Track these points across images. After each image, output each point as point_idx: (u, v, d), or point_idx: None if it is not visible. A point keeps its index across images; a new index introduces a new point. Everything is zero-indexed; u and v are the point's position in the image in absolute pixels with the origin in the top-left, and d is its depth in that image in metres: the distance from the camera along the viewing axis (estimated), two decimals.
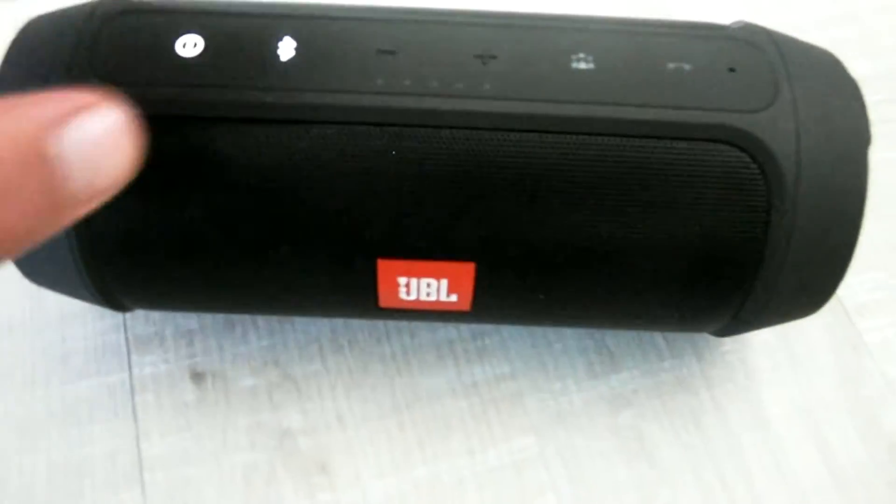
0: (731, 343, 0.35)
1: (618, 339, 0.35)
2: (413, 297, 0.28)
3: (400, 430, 0.32)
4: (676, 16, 0.45)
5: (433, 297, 0.28)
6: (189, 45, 0.26)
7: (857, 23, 0.45)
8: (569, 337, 0.34)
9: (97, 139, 0.20)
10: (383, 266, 0.27)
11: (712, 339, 0.35)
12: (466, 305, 0.28)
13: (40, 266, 0.28)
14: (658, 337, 0.35)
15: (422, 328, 0.34)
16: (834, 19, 0.46)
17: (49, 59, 0.26)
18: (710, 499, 0.32)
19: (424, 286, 0.27)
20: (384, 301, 0.28)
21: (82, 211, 0.20)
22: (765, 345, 0.35)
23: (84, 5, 0.28)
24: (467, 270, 0.27)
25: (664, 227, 0.26)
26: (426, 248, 0.26)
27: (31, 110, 0.19)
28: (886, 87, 0.43)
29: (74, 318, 0.34)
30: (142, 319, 0.34)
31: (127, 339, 0.34)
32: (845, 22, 0.46)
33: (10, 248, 0.18)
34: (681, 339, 0.35)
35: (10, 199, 0.18)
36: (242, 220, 0.26)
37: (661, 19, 0.29)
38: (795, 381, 0.34)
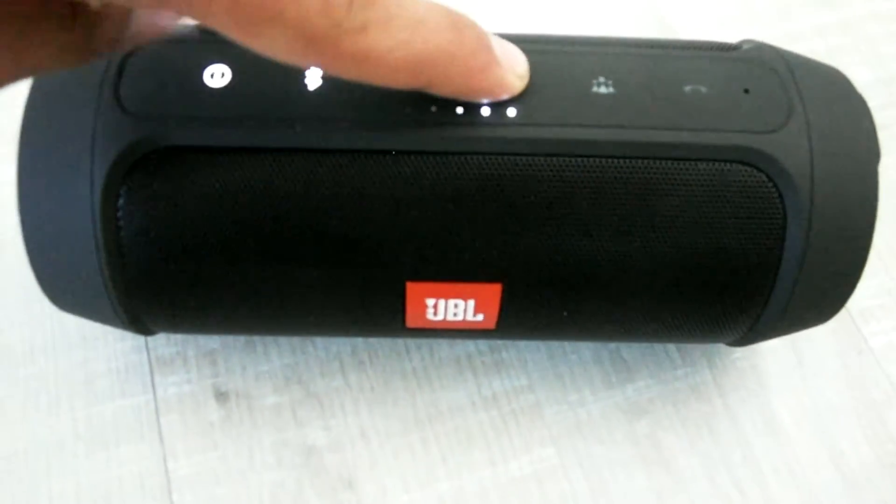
0: (741, 350, 0.36)
1: (632, 349, 0.35)
2: (440, 317, 0.28)
3: (423, 444, 0.33)
4: (680, 27, 0.46)
5: (460, 318, 0.28)
6: (217, 76, 0.26)
7: (854, 30, 0.46)
8: (584, 348, 0.35)
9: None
10: (412, 288, 0.27)
11: (723, 347, 0.36)
12: (492, 324, 0.29)
13: (69, 292, 0.28)
14: (671, 346, 0.35)
15: (441, 343, 0.35)
16: (831, 26, 0.46)
17: (75, 93, 0.26)
18: None
19: (452, 307, 0.28)
20: (411, 322, 0.29)
21: None
22: (773, 351, 0.36)
23: None
24: (494, 291, 0.27)
25: (685, 245, 0.27)
26: (454, 271, 0.27)
27: None
28: (884, 93, 0.44)
29: (96, 339, 0.34)
30: (163, 340, 0.34)
31: (149, 359, 0.34)
32: (842, 29, 0.46)
33: None
34: (693, 347, 0.36)
35: None
36: (273, 246, 0.26)
37: (675, 39, 0.30)
38: (804, 386, 0.35)
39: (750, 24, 0.46)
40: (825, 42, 0.46)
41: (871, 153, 0.28)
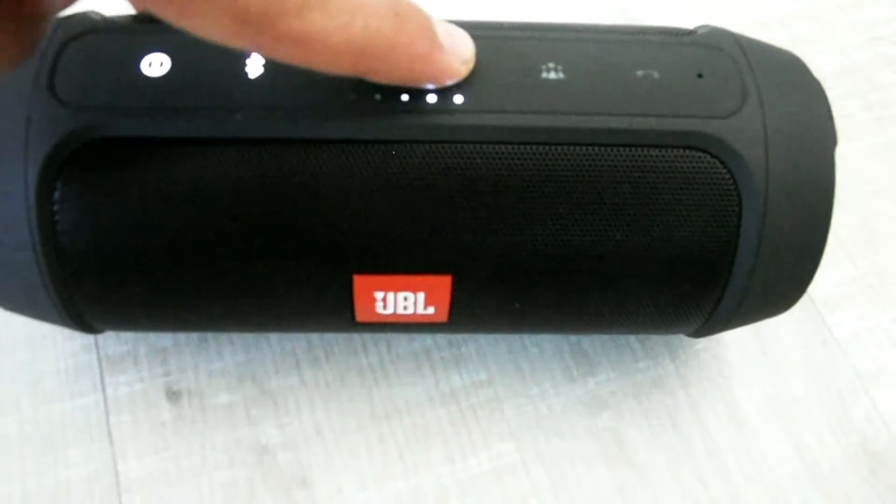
0: (704, 341, 0.35)
1: (593, 341, 0.35)
2: (390, 311, 0.28)
3: (380, 441, 0.32)
4: (640, 15, 0.46)
5: (410, 311, 0.28)
6: (155, 65, 0.25)
7: (818, 20, 0.46)
8: (545, 341, 0.35)
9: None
10: (359, 281, 0.26)
11: (685, 339, 0.35)
12: (444, 317, 0.28)
13: (7, 290, 0.27)
14: (633, 338, 0.35)
15: (399, 338, 0.34)
16: (796, 16, 0.46)
17: (10, 80, 0.26)
18: (689, 498, 0.32)
19: (401, 300, 0.27)
20: (361, 316, 0.28)
21: None
22: (737, 341, 0.36)
23: None
24: (444, 283, 0.27)
25: (638, 234, 0.26)
26: (402, 263, 0.26)
27: None
28: (846, 83, 0.44)
29: (44, 338, 0.34)
30: (114, 338, 0.34)
31: (99, 358, 0.33)
32: (807, 19, 0.46)
33: None
34: (655, 339, 0.35)
35: None
36: (215, 239, 0.26)
37: (629, 25, 0.29)
38: (768, 377, 0.35)
39: (714, 13, 0.46)
40: (789, 31, 0.45)
41: (828, 138, 0.27)
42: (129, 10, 0.28)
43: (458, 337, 0.34)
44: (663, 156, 0.26)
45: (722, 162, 0.26)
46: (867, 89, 0.43)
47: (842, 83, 0.43)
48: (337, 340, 0.34)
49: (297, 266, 0.26)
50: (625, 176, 0.26)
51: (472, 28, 0.27)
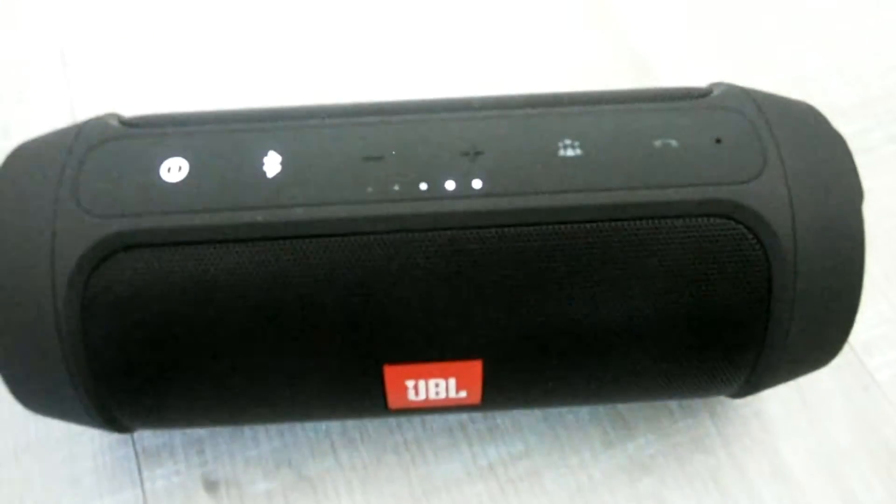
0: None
1: (629, 404, 0.34)
2: (422, 397, 0.28)
3: None
4: (653, 60, 0.45)
5: (442, 396, 0.28)
6: (174, 170, 0.26)
7: (833, 52, 0.46)
8: (580, 407, 0.34)
9: None
10: (390, 372, 0.26)
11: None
12: (476, 399, 0.28)
13: (40, 398, 0.28)
14: None
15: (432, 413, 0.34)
16: (810, 49, 0.46)
17: (34, 192, 0.26)
18: None
19: (433, 386, 0.27)
20: (393, 403, 0.28)
21: None
22: (777, 394, 0.35)
23: (67, 131, 0.28)
24: (474, 368, 0.26)
25: (668, 305, 0.26)
26: (432, 351, 0.26)
27: None
28: (866, 115, 0.43)
29: (81, 435, 0.34)
30: (149, 431, 0.34)
31: (136, 451, 0.33)
32: (822, 52, 0.46)
33: None
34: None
35: None
36: (244, 339, 0.26)
37: (641, 90, 0.29)
38: (811, 429, 0.34)
39: (723, 52, 0.45)
40: (804, 65, 0.45)
41: (853, 192, 0.27)
42: (146, 110, 0.29)
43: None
44: (687, 226, 0.25)
45: (747, 227, 0.26)
46: (888, 120, 0.43)
47: (862, 116, 0.43)
48: (371, 420, 0.34)
49: (327, 359, 0.26)
50: (650, 249, 0.25)
51: (490, 106, 0.27)
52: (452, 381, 0.27)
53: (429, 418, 0.34)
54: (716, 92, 0.29)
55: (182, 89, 0.44)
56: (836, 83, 0.45)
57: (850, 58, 0.46)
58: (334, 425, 0.34)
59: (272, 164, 0.26)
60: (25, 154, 0.28)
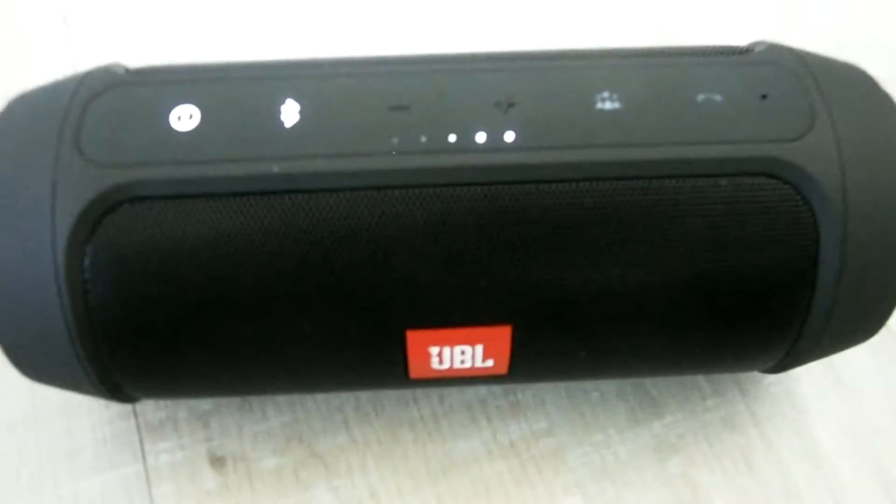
0: (774, 375, 0.33)
1: (657, 381, 0.33)
2: (446, 366, 0.26)
3: (438, 501, 0.30)
4: (678, 35, 0.44)
5: (468, 365, 0.26)
6: (184, 118, 0.24)
7: (864, 25, 0.44)
8: (606, 383, 0.33)
9: None
10: (413, 337, 0.25)
11: (755, 373, 0.33)
12: (504, 369, 0.26)
13: (38, 362, 0.26)
14: (699, 377, 0.33)
15: (451, 389, 0.32)
16: (841, 23, 0.44)
17: (33, 142, 0.24)
18: None
19: (458, 354, 0.25)
20: (415, 373, 0.26)
21: None
22: (809, 372, 0.33)
23: (70, 80, 0.26)
24: (503, 334, 0.25)
25: (710, 269, 0.24)
26: (458, 315, 0.24)
27: None
28: None
29: (80, 407, 0.32)
30: (152, 404, 0.32)
31: (138, 425, 0.32)
32: (852, 25, 0.44)
33: None
34: (722, 375, 0.33)
35: None
36: (257, 297, 0.24)
37: (682, 46, 0.27)
38: (845, 409, 0.33)
39: (756, 26, 0.44)
40: (835, 39, 0.43)
41: None
42: (153, 60, 0.27)
43: (514, 384, 0.32)
44: (732, 185, 0.24)
45: (795, 187, 0.24)
46: None
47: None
48: (386, 395, 0.32)
49: (345, 323, 0.24)
50: (692, 209, 0.24)
51: (522, 59, 0.26)
52: (479, 349, 0.25)
53: (446, 394, 0.32)
54: (758, 49, 0.27)
55: (188, 51, 0.43)
56: (869, 56, 0.43)
57: (880, 31, 0.44)
58: (347, 400, 0.32)
59: (290, 112, 0.24)
60: (25, 103, 0.26)
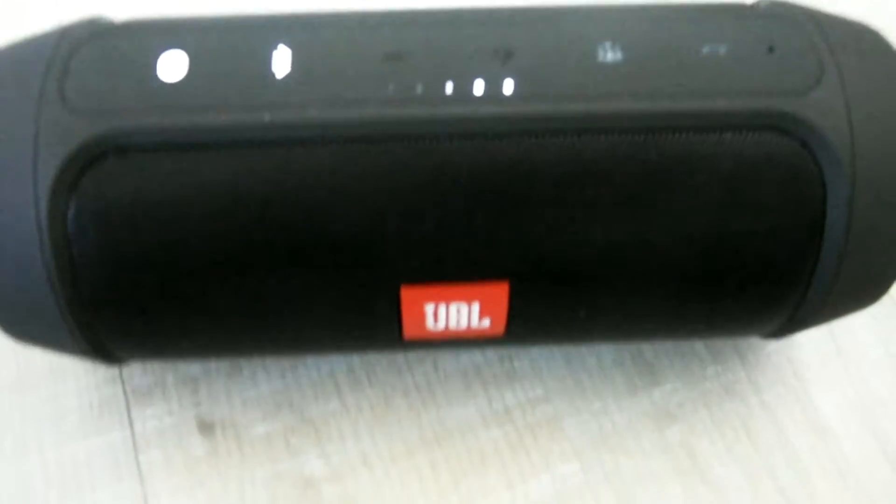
0: (775, 343, 0.33)
1: (655, 349, 0.32)
2: (441, 325, 0.25)
3: (432, 468, 0.30)
4: None
5: (464, 324, 0.25)
6: (172, 66, 0.23)
7: None
8: (604, 351, 0.32)
9: None
10: (407, 293, 0.24)
11: (756, 341, 0.33)
12: (500, 330, 0.26)
13: (20, 320, 0.25)
14: (699, 344, 0.32)
15: (445, 355, 0.32)
16: None
17: (15, 91, 0.23)
18: None
19: (454, 312, 0.25)
20: (409, 332, 0.25)
21: None
22: (810, 340, 0.33)
23: (51, 32, 0.25)
24: (501, 291, 0.24)
25: (713, 227, 0.24)
26: (454, 270, 0.24)
27: None
28: None
29: (65, 372, 0.31)
30: (139, 369, 0.31)
31: (125, 391, 0.31)
32: None
33: None
34: (722, 343, 0.32)
35: None
36: (246, 252, 0.23)
37: (686, 1, 0.27)
38: (848, 378, 0.32)
39: None
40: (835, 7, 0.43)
41: None
42: (142, 13, 0.26)
43: (509, 351, 0.32)
44: (736, 140, 0.23)
45: (802, 142, 0.23)
46: None
47: None
48: (379, 361, 0.32)
49: (338, 278, 0.24)
50: (695, 164, 0.23)
51: (520, 11, 0.25)
52: (476, 306, 0.25)
53: (441, 360, 0.32)
54: (763, 4, 0.26)
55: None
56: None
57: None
58: (339, 365, 0.31)
59: (282, 60, 0.23)
60: (7, 54, 0.25)
